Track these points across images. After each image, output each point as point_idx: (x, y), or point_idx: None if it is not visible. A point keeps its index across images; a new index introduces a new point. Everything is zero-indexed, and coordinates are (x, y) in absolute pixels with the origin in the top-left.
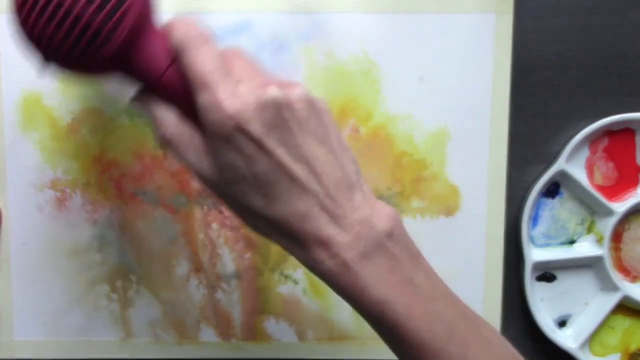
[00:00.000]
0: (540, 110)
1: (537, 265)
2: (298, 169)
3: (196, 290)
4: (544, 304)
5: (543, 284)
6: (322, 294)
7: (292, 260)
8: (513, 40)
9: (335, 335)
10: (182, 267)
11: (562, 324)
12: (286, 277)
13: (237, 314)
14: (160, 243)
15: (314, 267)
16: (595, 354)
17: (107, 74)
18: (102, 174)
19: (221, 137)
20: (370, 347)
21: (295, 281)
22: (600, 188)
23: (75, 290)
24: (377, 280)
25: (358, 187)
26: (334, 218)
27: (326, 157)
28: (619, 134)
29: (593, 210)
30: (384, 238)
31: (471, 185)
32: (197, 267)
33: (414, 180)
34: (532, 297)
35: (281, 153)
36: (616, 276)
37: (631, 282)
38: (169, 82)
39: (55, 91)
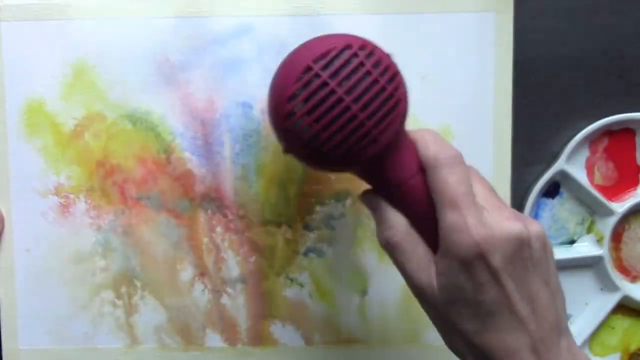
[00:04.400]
0: (540, 110)
1: None
2: (522, 307)
3: (201, 295)
4: None
5: None
6: (328, 297)
7: (297, 264)
8: (513, 40)
9: (342, 338)
10: (186, 272)
11: None
12: (292, 280)
13: (243, 319)
14: (164, 248)
15: None
16: (595, 354)
17: (349, 171)
18: (106, 179)
19: (459, 259)
20: (378, 351)
21: (301, 284)
22: (600, 188)
23: (80, 297)
24: None
25: (566, 332)
26: None
27: (547, 298)
28: (619, 134)
29: (593, 210)
30: None
31: None
32: (202, 272)
33: None
34: None
35: (512, 288)
36: (616, 276)
37: (631, 282)
38: (411, 190)
39: (58, 97)
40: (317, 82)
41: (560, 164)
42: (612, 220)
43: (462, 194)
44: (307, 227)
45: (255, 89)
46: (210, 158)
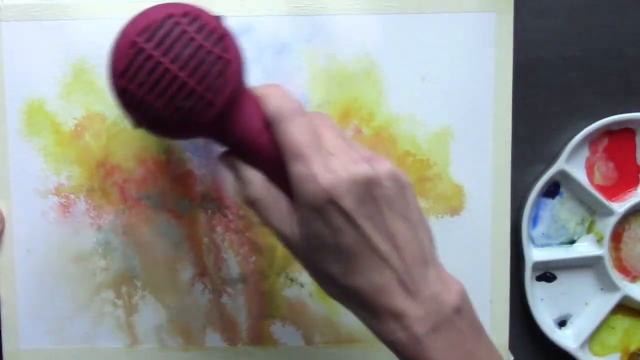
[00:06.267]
0: (540, 110)
1: (537, 265)
2: (382, 244)
3: (201, 295)
4: (544, 304)
5: (543, 284)
6: (328, 297)
7: (298, 263)
8: (513, 40)
9: (342, 338)
10: (187, 272)
11: (562, 324)
12: (292, 280)
13: (243, 319)
14: (164, 248)
15: (384, 336)
16: (595, 354)
17: (197, 137)
18: (106, 179)
19: (312, 208)
20: (377, 350)
21: (301, 284)
22: (600, 188)
23: (80, 296)
24: (443, 353)
25: (432, 262)
26: (409, 293)
27: (408, 233)
28: (619, 134)
29: (593, 210)
30: (453, 313)
31: (476, 184)
32: (202, 272)
33: (418, 180)
34: (532, 297)
35: (368, 228)
36: (616, 276)
37: (631, 282)
38: (260, 146)
39: (58, 97)
40: (142, 56)
41: (560, 164)
42: (612, 220)
43: (306, 144)
44: None
45: None
46: (211, 158)
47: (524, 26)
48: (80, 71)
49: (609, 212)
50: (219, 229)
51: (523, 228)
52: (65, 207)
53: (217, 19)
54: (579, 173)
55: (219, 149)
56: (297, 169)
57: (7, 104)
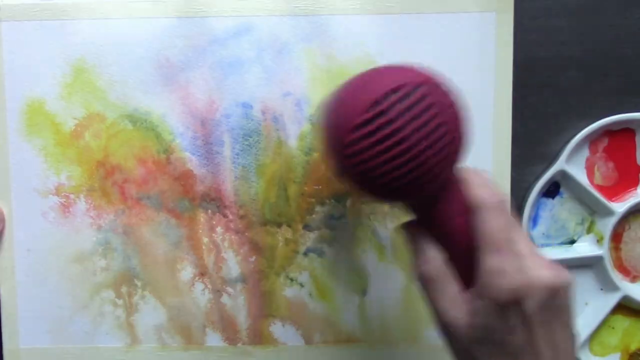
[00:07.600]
0: (540, 110)
1: None
2: (545, 352)
3: (201, 295)
4: None
5: None
6: (328, 297)
7: (297, 263)
8: (513, 40)
9: (342, 338)
10: (187, 272)
11: None
12: (292, 280)
13: (243, 318)
14: (164, 248)
15: None
16: (595, 354)
17: (400, 202)
18: (106, 179)
19: (496, 302)
20: (377, 350)
21: (300, 284)
22: (600, 188)
23: (80, 296)
24: None
25: None
26: None
27: (567, 344)
28: (619, 134)
29: (593, 210)
30: None
31: None
32: (202, 272)
33: None
34: None
35: (539, 333)
36: (616, 276)
37: (631, 282)
38: (453, 228)
39: (58, 97)
40: (385, 118)
41: (560, 164)
42: (612, 220)
43: (504, 240)
44: (307, 227)
45: (255, 89)
46: (210, 158)
47: (524, 26)
48: (80, 71)
49: (609, 212)
50: (219, 229)
51: (523, 228)
52: (65, 207)
53: (456, 91)
54: (579, 173)
55: (219, 149)
56: (490, 262)
57: (7, 104)
